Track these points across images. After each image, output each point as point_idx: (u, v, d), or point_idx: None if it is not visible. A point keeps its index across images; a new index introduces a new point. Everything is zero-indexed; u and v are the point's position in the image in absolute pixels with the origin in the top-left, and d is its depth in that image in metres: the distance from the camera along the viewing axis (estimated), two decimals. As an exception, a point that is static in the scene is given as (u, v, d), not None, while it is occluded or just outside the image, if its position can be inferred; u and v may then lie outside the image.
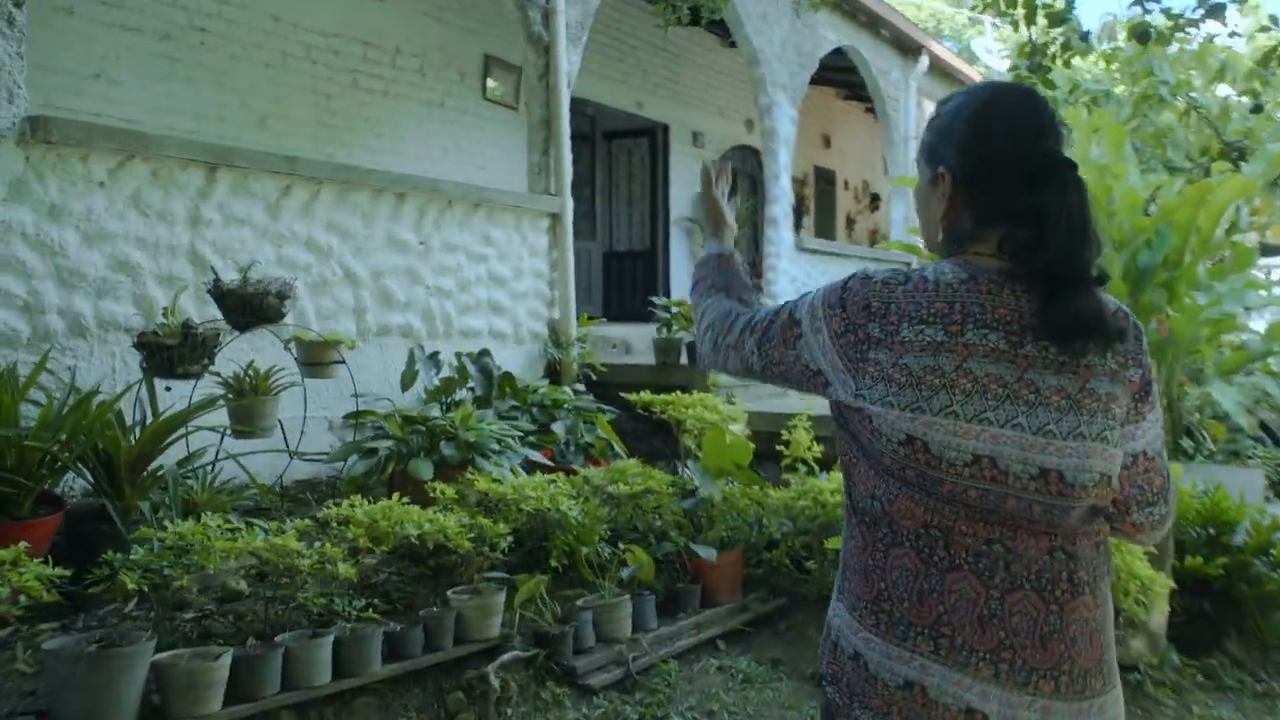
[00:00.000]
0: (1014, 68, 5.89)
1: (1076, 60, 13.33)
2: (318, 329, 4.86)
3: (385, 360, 5.24)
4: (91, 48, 6.55)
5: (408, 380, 4.95)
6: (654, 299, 6.58)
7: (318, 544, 3.39)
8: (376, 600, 3.73)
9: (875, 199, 15.59)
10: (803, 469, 4.78)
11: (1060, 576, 1.37)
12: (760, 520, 4.66)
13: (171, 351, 3.65)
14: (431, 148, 8.82)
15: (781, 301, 1.60)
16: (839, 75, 12.53)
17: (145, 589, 2.93)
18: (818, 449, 4.82)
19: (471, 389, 5.03)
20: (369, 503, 3.60)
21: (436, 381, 5.13)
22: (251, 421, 3.97)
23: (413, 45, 8.67)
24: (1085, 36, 5.65)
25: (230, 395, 3.98)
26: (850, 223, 15.40)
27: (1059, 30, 5.67)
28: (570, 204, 6.33)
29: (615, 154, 11.66)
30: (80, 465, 3.41)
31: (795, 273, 9.15)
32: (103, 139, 3.94)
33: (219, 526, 3.14)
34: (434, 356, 5.04)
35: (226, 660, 2.82)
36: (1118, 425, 1.41)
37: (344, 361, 4.25)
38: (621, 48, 10.94)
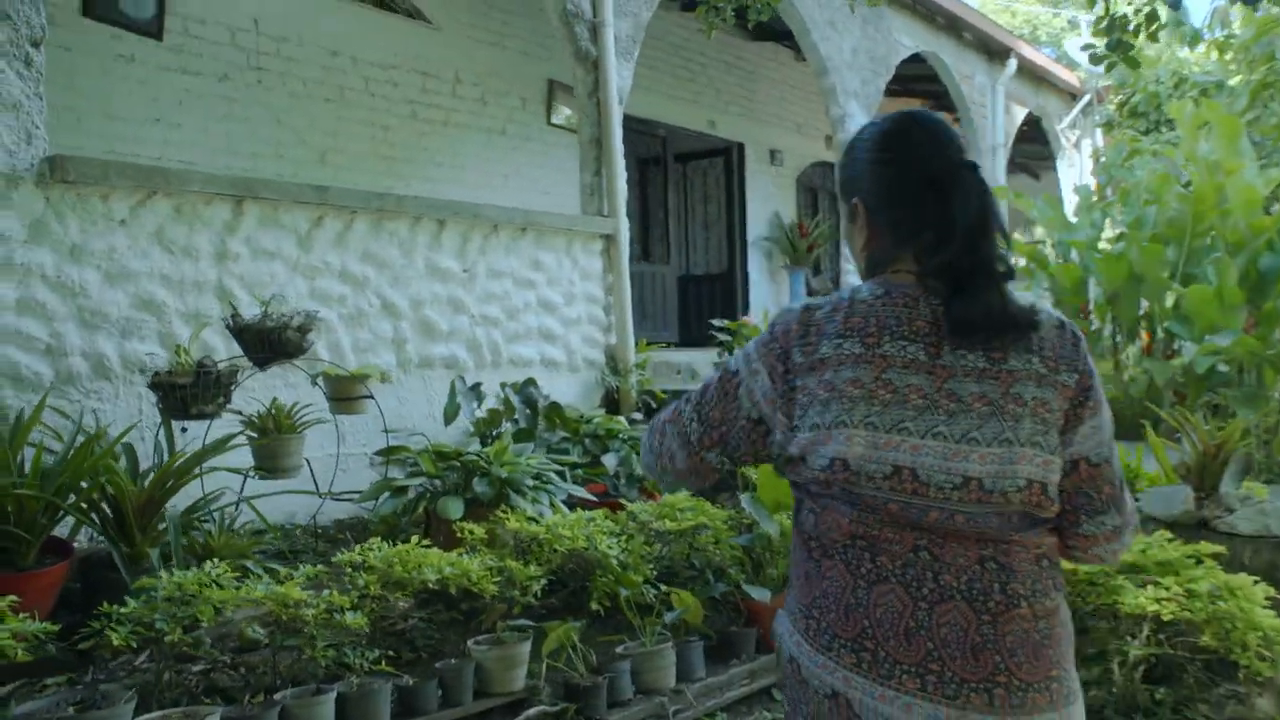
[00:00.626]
0: (1089, 47, 5.40)
1: (1184, 52, 12.57)
2: (355, 362, 4.71)
3: (429, 393, 5.06)
4: (150, 92, 6.62)
5: (450, 414, 4.75)
6: (713, 321, 6.27)
7: (328, 591, 3.20)
8: (400, 649, 3.51)
9: (965, 210, 14.92)
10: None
11: (992, 588, 1.35)
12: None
13: (184, 391, 3.51)
14: (492, 175, 8.72)
15: None
16: (922, 85, 12.06)
17: (133, 644, 2.76)
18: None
19: (515, 421, 4.80)
20: (392, 545, 3.39)
21: (480, 414, 4.92)
22: (275, 461, 3.81)
23: (472, 74, 8.60)
24: (1177, 4, 5.12)
25: (253, 434, 3.83)
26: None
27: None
28: (625, 224, 6.09)
29: (690, 175, 11.42)
30: (87, 512, 3.29)
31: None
32: (119, 176, 3.86)
33: (220, 575, 2.97)
34: (476, 388, 4.83)
35: (213, 723, 2.61)
36: (1053, 430, 1.39)
37: (372, 396, 4.07)
38: (691, 67, 10.71)
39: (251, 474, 3.85)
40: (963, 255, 1.39)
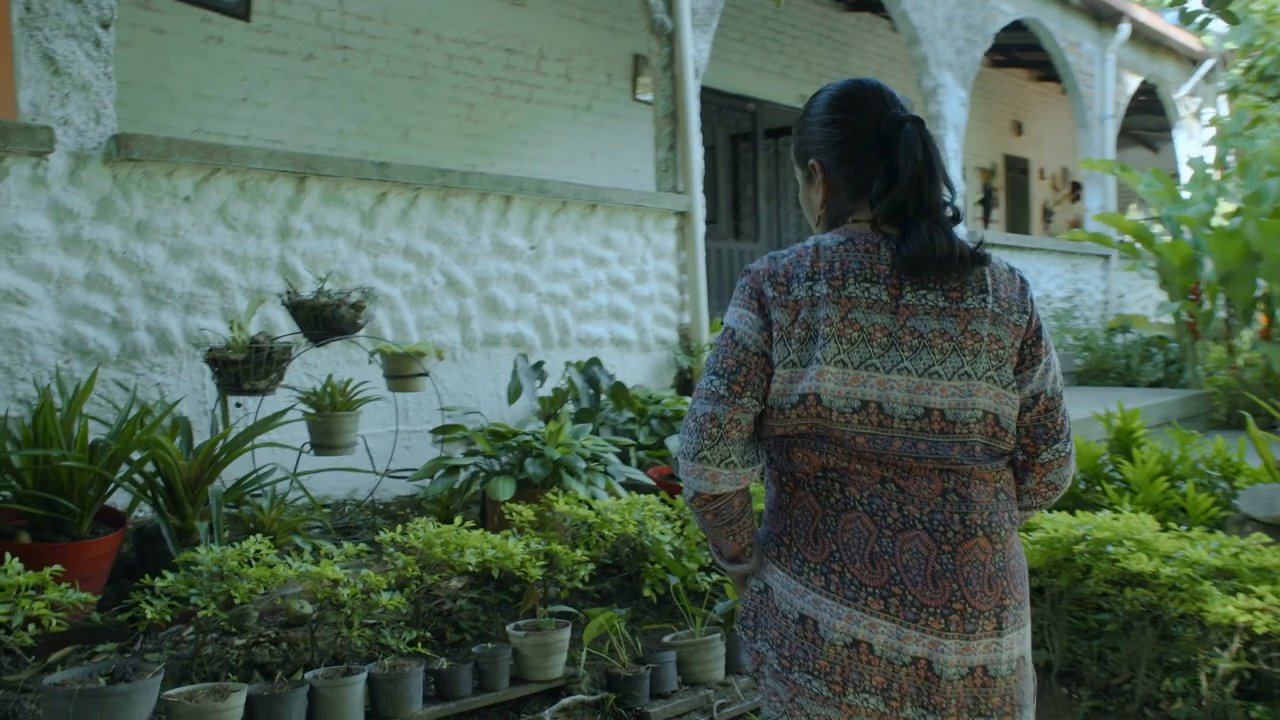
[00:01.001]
0: (1177, 1, 5.01)
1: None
2: (418, 339, 4.70)
3: (495, 371, 5.03)
4: (239, 72, 6.74)
5: (513, 393, 4.71)
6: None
7: (366, 570, 3.19)
8: (445, 630, 3.49)
9: (1076, 188, 14.29)
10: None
11: (952, 519, 1.47)
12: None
13: (237, 367, 3.53)
14: (578, 152, 8.66)
15: None
16: (1024, 54, 11.54)
17: (168, 619, 2.78)
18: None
19: (577, 401, 4.73)
20: (439, 525, 3.36)
21: (544, 393, 4.87)
22: (329, 438, 3.82)
23: (557, 49, 8.54)
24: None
25: (310, 410, 3.85)
26: (1047, 214, 14.20)
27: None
28: (700, 201, 5.94)
29: (781, 151, 11.15)
30: (144, 486, 3.34)
31: (971, 269, 8.37)
32: (181, 153, 3.90)
33: (258, 552, 2.98)
34: (538, 366, 4.78)
35: (238, 700, 2.61)
36: (1006, 366, 1.53)
37: (426, 374, 4.04)
38: (781, 39, 10.45)
39: (306, 450, 3.87)
40: (910, 199, 1.52)
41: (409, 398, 4.60)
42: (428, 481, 3.98)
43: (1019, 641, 1.52)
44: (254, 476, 3.59)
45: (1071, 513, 3.52)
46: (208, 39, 6.62)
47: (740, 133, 10.40)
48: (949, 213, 1.55)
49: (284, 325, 4.14)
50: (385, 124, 7.47)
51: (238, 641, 3.24)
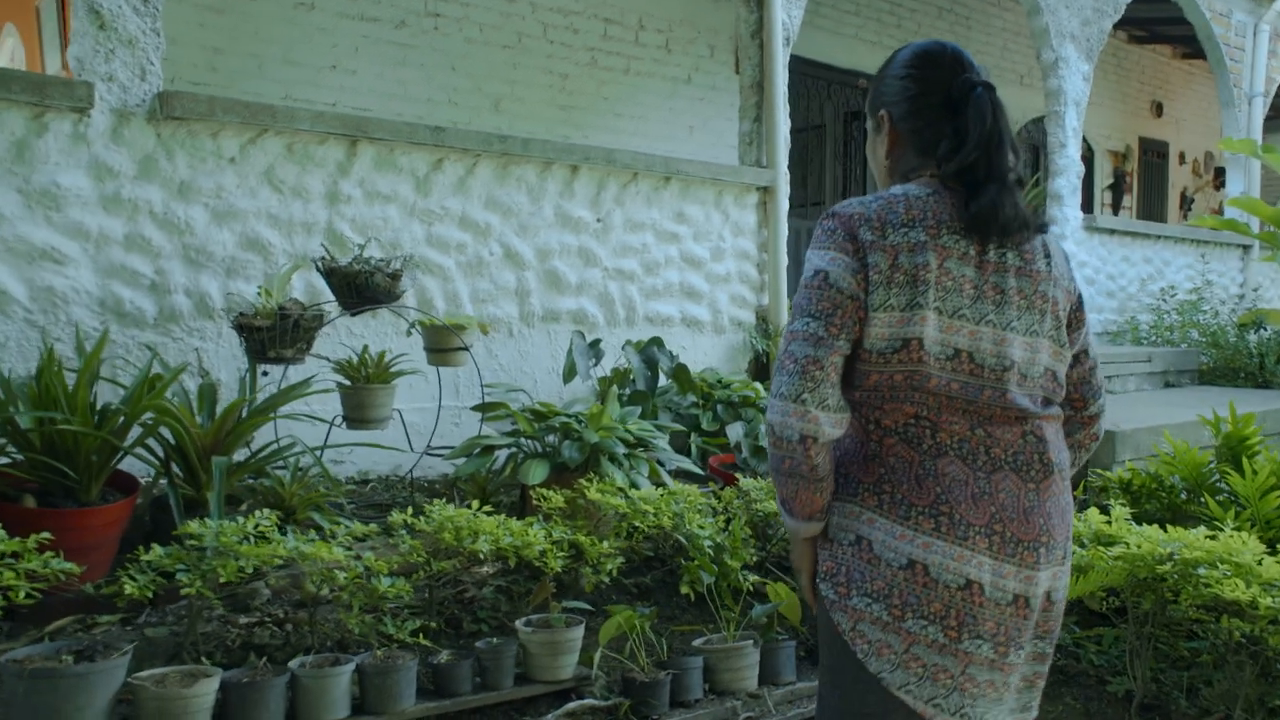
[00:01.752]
0: None
1: None
2: (473, 312, 4.52)
3: (554, 349, 4.81)
4: (329, 39, 6.71)
5: (569, 372, 4.48)
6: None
7: (370, 553, 3.01)
8: (463, 619, 3.30)
9: (1220, 174, 13.20)
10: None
11: (1033, 459, 1.60)
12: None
13: (262, 334, 3.40)
14: (676, 127, 8.37)
15: None
16: (1172, 29, 10.66)
17: (151, 595, 2.65)
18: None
19: (633, 382, 4.47)
20: (453, 508, 3.16)
21: (602, 372, 4.63)
22: (361, 411, 3.67)
23: (657, 20, 8.25)
24: None
25: (343, 381, 3.70)
26: (1186, 202, 13.16)
27: None
28: (785, 176, 5.59)
29: (897, 130, 10.61)
30: (165, 455, 3.25)
31: (1086, 258, 7.74)
32: (226, 113, 3.79)
33: (259, 527, 2.83)
34: (595, 345, 4.54)
35: (207, 687, 2.45)
36: (1063, 327, 1.67)
37: (466, 348, 3.85)
38: (899, 12, 9.91)
39: (338, 423, 3.73)
40: (978, 162, 1.59)
41: (460, 373, 4.43)
42: (463, 461, 3.79)
43: (1069, 569, 1.67)
44: (276, 449, 3.46)
45: (1164, 526, 3.09)
46: (299, 5, 6.59)
47: (852, 110, 9.91)
48: (1013, 176, 1.61)
49: (328, 292, 4.00)
50: (476, 93, 7.34)
51: (242, 620, 3.11)
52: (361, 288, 3.58)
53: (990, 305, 1.58)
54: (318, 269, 3.67)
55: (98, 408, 3.14)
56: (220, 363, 3.89)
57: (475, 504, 3.18)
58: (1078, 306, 1.74)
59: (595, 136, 7.80)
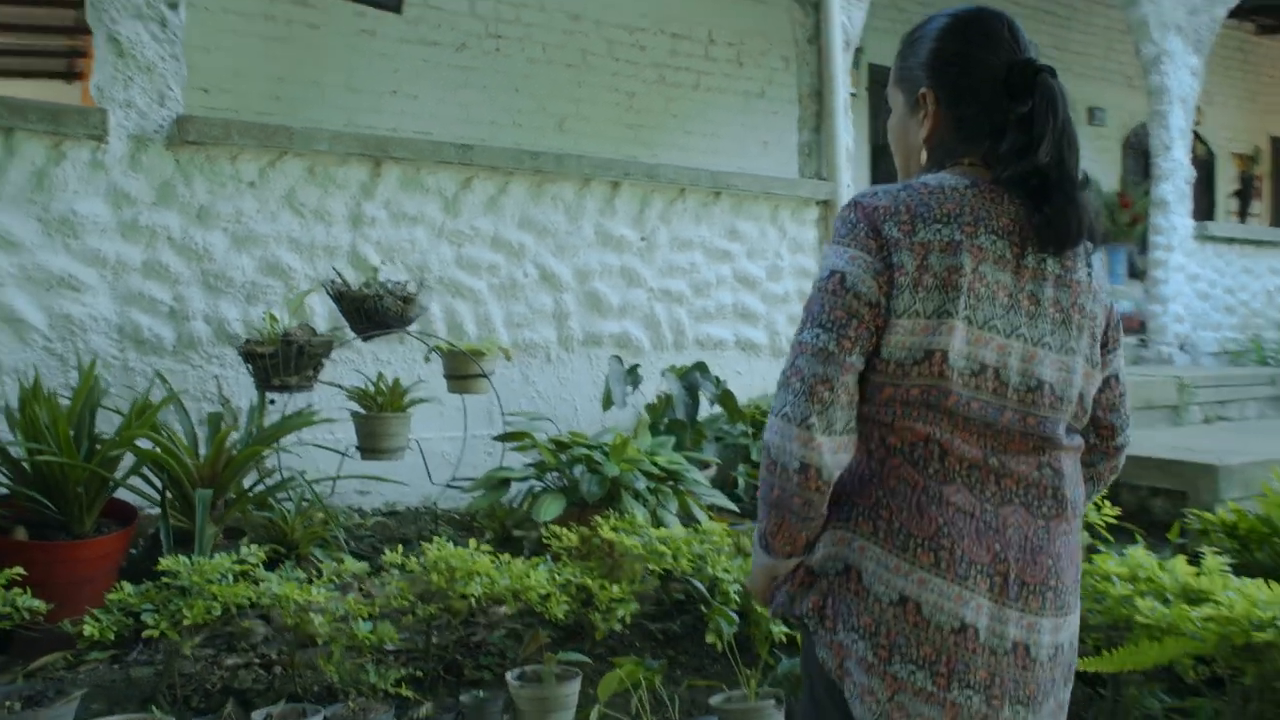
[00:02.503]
0: None
1: None
2: (507, 337, 4.36)
3: (595, 374, 4.61)
4: (390, 64, 6.70)
5: (608, 399, 4.27)
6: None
7: (352, 595, 2.84)
8: (465, 665, 3.10)
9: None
10: (1085, 536, 3.40)
11: (1046, 494, 1.42)
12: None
13: (265, 361, 3.29)
14: (749, 142, 8.11)
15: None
16: (1293, 20, 9.91)
17: (110, 636, 2.53)
18: (1111, 509, 3.40)
19: (673, 409, 4.23)
20: (451, 546, 2.97)
21: (648, 399, 4.41)
22: (374, 441, 3.52)
23: (727, 33, 8.03)
24: None
25: (359, 410, 3.57)
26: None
27: None
28: (849, 189, 5.28)
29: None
30: (151, 482, 3.16)
31: (1198, 271, 7.16)
32: (242, 135, 3.72)
33: (231, 566, 2.69)
34: (633, 370, 4.31)
35: (156, 736, 2.31)
36: (1098, 345, 1.49)
37: (485, 375, 3.67)
38: (990, 16, 9.43)
39: (350, 453, 3.59)
40: (1053, 164, 1.38)
41: (493, 400, 4.26)
42: (479, 494, 3.61)
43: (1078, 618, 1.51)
44: (281, 480, 3.34)
45: (1269, 580, 2.69)
46: (360, 32, 6.60)
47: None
48: (1082, 180, 1.43)
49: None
50: (539, 114, 7.24)
51: (229, 661, 2.98)
52: (371, 312, 3.44)
53: (1024, 317, 1.39)
54: (328, 293, 3.55)
55: (94, 437, 3.06)
56: (240, 390, 3.80)
57: (473, 543, 2.98)
58: (1116, 323, 1.56)
59: (664, 154, 7.60)
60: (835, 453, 1.37)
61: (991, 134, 1.43)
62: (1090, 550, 3.37)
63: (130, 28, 3.62)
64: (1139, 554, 3.09)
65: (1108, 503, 3.38)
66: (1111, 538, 3.39)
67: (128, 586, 2.60)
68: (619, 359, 4.27)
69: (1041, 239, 1.39)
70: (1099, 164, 10.21)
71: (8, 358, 3.45)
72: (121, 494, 3.22)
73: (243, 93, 6.12)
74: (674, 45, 7.79)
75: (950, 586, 1.35)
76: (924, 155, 1.52)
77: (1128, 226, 9.76)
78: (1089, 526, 3.39)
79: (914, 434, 1.39)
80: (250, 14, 6.16)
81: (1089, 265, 1.46)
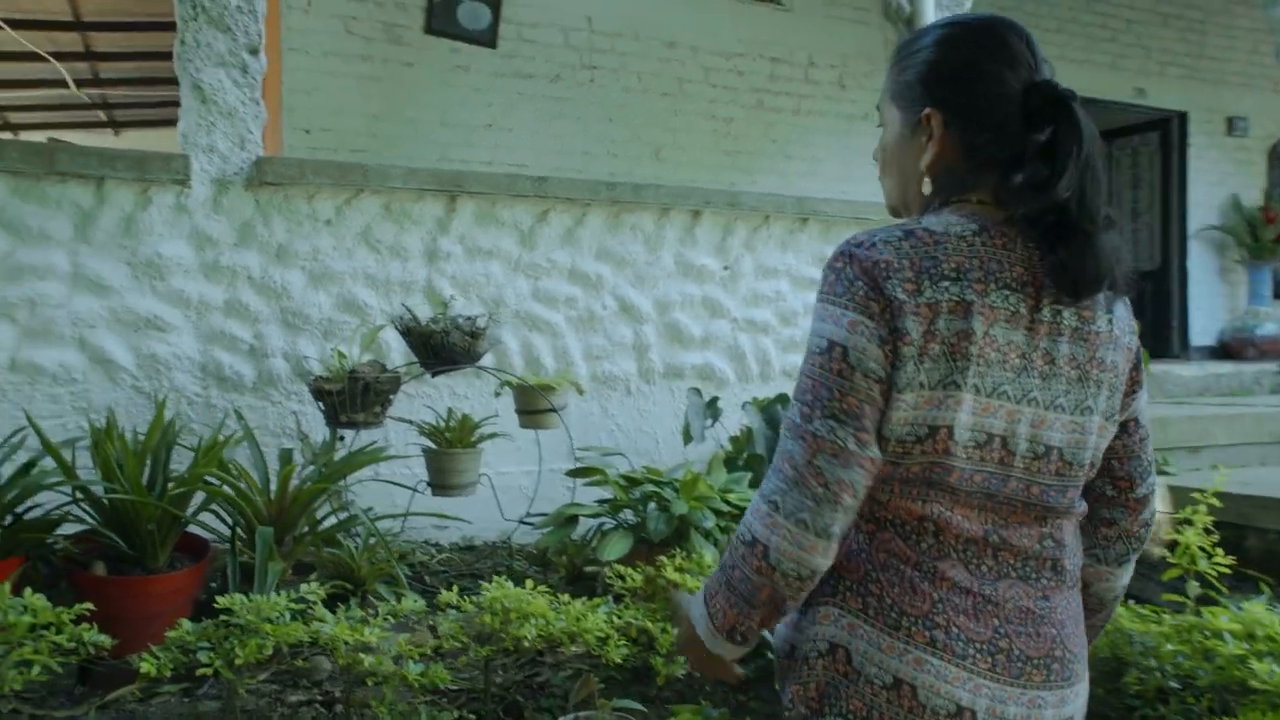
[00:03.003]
0: None
1: None
2: (585, 370, 4.31)
3: (676, 407, 4.51)
4: (484, 99, 6.79)
5: (688, 433, 4.17)
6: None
7: (405, 635, 2.80)
8: (524, 708, 3.02)
9: None
10: (1194, 586, 3.10)
11: (1045, 565, 1.30)
12: (1118, 658, 3.09)
13: (333, 398, 3.31)
14: (854, 167, 7.88)
15: None
16: None
17: (169, 673, 2.55)
18: (1225, 558, 3.10)
19: (753, 444, 4.09)
20: (510, 585, 2.92)
21: (732, 434, 4.28)
22: (443, 477, 3.51)
23: (829, 55, 7.87)
24: None
25: (430, 445, 3.57)
26: None
27: None
28: (944, 212, 5.05)
29: (1114, 156, 9.64)
30: (223, 518, 3.21)
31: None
32: (316, 174, 3.78)
33: (285, 606, 2.69)
34: (712, 403, 4.20)
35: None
36: (1117, 395, 1.34)
37: (554, 409, 3.62)
38: (1111, 25, 9.01)
39: (421, 489, 3.59)
40: (1071, 202, 1.22)
41: (571, 433, 4.21)
42: (547, 531, 3.55)
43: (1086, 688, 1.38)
44: (350, 516, 3.35)
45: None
46: (454, 68, 6.71)
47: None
48: (1105, 219, 1.24)
49: (425, 353, 3.90)
50: (634, 143, 7.22)
51: (292, 698, 2.99)
52: (438, 348, 3.43)
53: (1036, 379, 1.24)
54: (396, 329, 3.56)
55: (168, 475, 3.13)
56: (318, 426, 3.84)
57: (530, 583, 2.92)
58: (1136, 364, 1.37)
59: (763, 181, 7.49)
60: (828, 559, 1.24)
61: (1004, 165, 1.26)
62: (1201, 601, 3.09)
63: (213, 75, 3.73)
64: (1257, 609, 2.81)
65: (1219, 549, 3.09)
66: (1226, 589, 3.09)
67: (186, 624, 2.62)
68: (698, 391, 4.16)
69: (1057, 284, 1.24)
70: (1239, 177, 9.60)
71: (99, 396, 3.57)
72: (204, 527, 3.28)
73: (341, 131, 6.29)
74: (773, 70, 7.67)
75: (948, 667, 1.22)
76: (926, 184, 1.33)
77: (1273, 244, 9.14)
78: (1199, 575, 3.10)
79: (909, 513, 1.25)
80: (348, 55, 6.34)
81: (1110, 312, 1.30)
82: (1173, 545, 3.32)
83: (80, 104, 12.38)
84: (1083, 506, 1.36)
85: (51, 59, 9.80)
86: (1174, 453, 4.66)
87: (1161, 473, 4.54)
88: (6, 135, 13.16)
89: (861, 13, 7.90)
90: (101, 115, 13.23)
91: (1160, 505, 4.14)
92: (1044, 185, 1.22)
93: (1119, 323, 1.32)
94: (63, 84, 10.88)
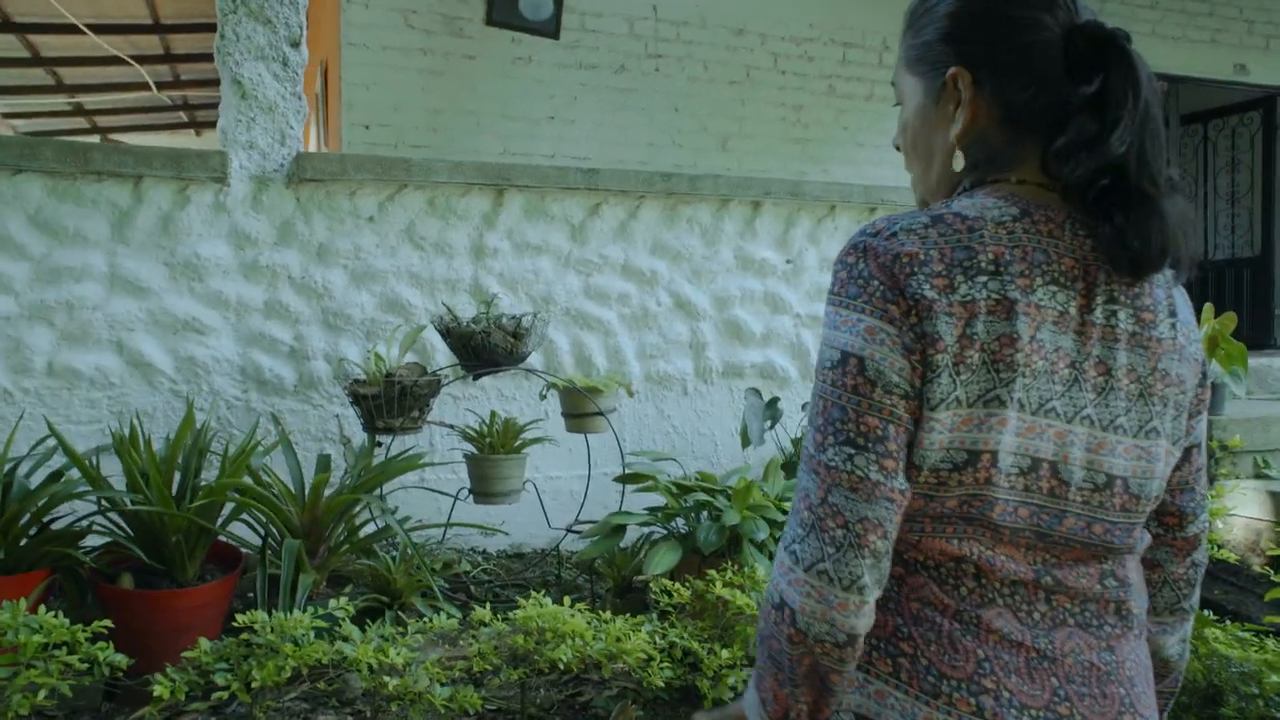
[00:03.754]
0: None
1: None
2: (638, 370, 4.10)
3: (736, 407, 4.28)
4: (547, 90, 6.63)
5: (746, 435, 3.94)
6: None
7: (435, 655, 2.64)
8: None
9: None
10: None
11: (1108, 610, 1.08)
12: (1213, 685, 2.78)
13: (369, 403, 3.17)
14: (930, 153, 7.55)
15: None
16: None
17: (184, 695, 2.43)
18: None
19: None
20: (548, 603, 2.74)
21: (795, 436, 4.04)
22: (485, 484, 3.34)
23: (903, 37, 7.52)
24: None
25: (473, 450, 3.41)
26: None
27: None
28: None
29: (1211, 138, 9.09)
30: (265, 526, 3.09)
31: None
32: (357, 170, 3.64)
33: (309, 623, 2.55)
34: (772, 404, 3.95)
35: (205, 812, 2.17)
36: (1183, 415, 1.10)
37: (601, 413, 3.42)
38: (1210, -1, 8.47)
39: (463, 496, 3.43)
40: (1128, 159, 1.00)
41: (624, 437, 4.02)
42: (593, 541, 3.36)
43: None
44: (386, 526, 3.20)
45: None
46: (516, 60, 6.56)
47: (1152, 118, 8.57)
48: (1168, 181, 1.03)
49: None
50: (701, 133, 6.99)
51: (320, 718, 2.85)
52: (479, 349, 3.26)
53: (1090, 392, 1.03)
54: (436, 329, 3.40)
55: (196, 484, 3.02)
56: (359, 428, 3.72)
57: (567, 600, 2.73)
58: (1202, 380, 1.14)
59: (835, 170, 7.21)
60: (866, 615, 1.02)
61: (1048, 127, 1.05)
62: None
63: (252, 69, 3.62)
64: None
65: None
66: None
67: (204, 643, 2.49)
68: (757, 392, 3.93)
69: (1113, 261, 1.02)
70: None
71: (136, 400, 3.49)
72: (236, 537, 3.17)
73: (401, 126, 6.19)
74: (845, 55, 7.36)
75: None
76: (957, 159, 1.11)
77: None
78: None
79: (944, 553, 1.04)
80: (408, 49, 6.24)
81: (1173, 315, 1.07)
82: (1277, 561, 2.99)
83: (162, 106, 12.62)
84: (1146, 540, 1.14)
85: (133, 62, 9.97)
86: (1276, 454, 4.27)
87: (1262, 476, 4.16)
88: (93, 138, 13.51)
89: (939, -8, 7.53)
90: (183, 116, 13.48)
91: (1260, 512, 3.79)
92: (1094, 141, 1.02)
93: (1183, 329, 1.09)
94: (145, 86, 11.09)
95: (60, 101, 11.78)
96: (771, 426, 3.92)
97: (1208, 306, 4.61)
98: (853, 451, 0.98)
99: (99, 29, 8.78)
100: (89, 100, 11.91)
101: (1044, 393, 1.01)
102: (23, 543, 2.88)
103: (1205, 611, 2.99)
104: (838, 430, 0.99)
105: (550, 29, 6.65)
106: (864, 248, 1.02)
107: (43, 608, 2.46)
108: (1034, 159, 1.07)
